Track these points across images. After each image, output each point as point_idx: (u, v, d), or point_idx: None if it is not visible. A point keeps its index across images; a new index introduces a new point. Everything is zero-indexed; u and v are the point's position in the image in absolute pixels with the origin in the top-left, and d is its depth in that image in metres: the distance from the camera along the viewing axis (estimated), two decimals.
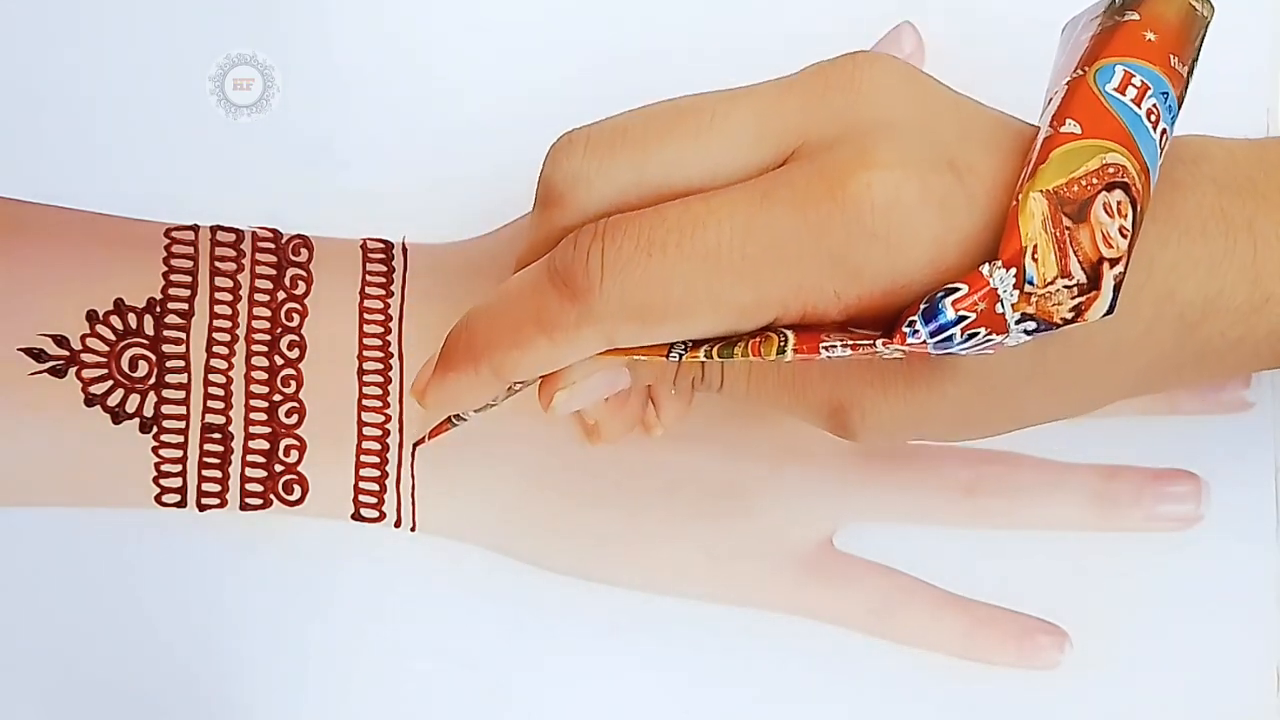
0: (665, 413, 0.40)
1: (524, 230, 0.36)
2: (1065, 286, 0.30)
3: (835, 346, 0.31)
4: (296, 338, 0.40)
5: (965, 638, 0.42)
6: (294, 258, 0.41)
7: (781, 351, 0.32)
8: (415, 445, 0.40)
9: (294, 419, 0.40)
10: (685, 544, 0.41)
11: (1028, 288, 0.30)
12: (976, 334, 0.30)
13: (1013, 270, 0.30)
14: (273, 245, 0.41)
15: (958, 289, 0.30)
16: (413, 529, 0.41)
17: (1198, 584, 0.43)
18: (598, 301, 0.32)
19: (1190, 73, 0.33)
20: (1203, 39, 0.33)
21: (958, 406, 0.34)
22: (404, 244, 0.42)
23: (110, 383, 0.39)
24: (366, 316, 0.41)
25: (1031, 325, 0.30)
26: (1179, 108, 0.32)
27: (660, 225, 0.32)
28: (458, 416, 0.38)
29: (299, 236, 0.41)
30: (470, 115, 0.44)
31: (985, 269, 0.30)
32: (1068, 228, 0.30)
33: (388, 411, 0.40)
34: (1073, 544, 0.43)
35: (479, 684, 0.43)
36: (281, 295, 0.40)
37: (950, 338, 0.30)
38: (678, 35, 0.45)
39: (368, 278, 0.41)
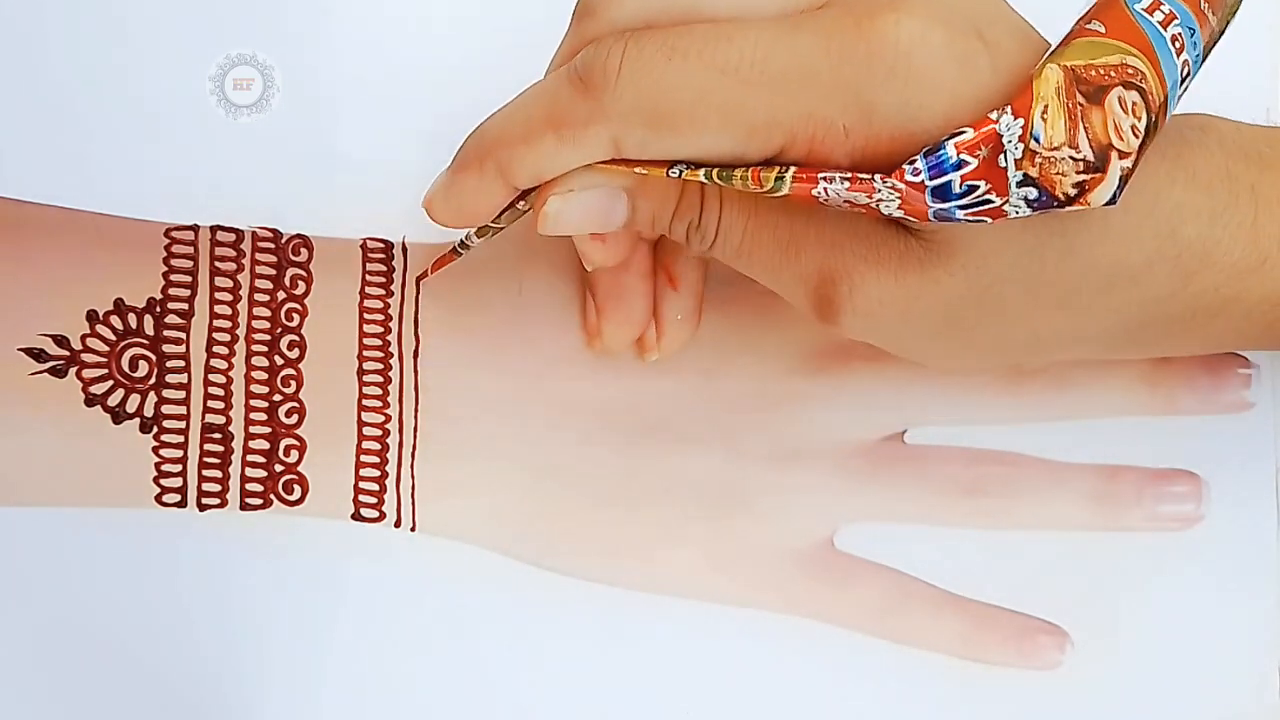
0: (666, 337, 0.40)
1: (520, 232, 0.36)
2: (1071, 158, 0.29)
3: (834, 179, 0.31)
4: (296, 338, 0.40)
5: (966, 638, 0.42)
6: (294, 258, 0.41)
7: (780, 179, 0.32)
8: (419, 279, 0.40)
9: (294, 419, 0.40)
10: (685, 544, 0.41)
11: (1033, 144, 0.29)
12: (976, 188, 0.30)
13: (1020, 121, 0.29)
14: (273, 245, 0.41)
15: (963, 131, 0.30)
16: (413, 529, 0.41)
17: (1198, 584, 0.43)
18: (610, 98, 0.32)
19: (1218, 35, 0.33)
20: (1234, 11, 0.33)
21: (948, 305, 0.33)
22: (404, 244, 0.42)
23: (110, 383, 0.39)
24: (366, 316, 0.41)
25: (1033, 192, 0.30)
26: (1203, 58, 0.32)
27: (686, 34, 0.32)
28: (461, 245, 0.37)
29: (299, 236, 0.41)
30: (471, 115, 0.44)
31: (994, 114, 0.30)
32: (1080, 104, 0.30)
33: (388, 411, 0.40)
34: (1073, 544, 0.43)
35: (479, 684, 0.43)
36: (281, 295, 0.40)
37: (949, 186, 0.30)
38: None
39: (368, 278, 0.41)
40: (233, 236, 0.41)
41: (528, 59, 0.45)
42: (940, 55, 0.31)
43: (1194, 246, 0.34)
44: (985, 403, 0.42)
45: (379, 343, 0.41)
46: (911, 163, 0.30)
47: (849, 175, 0.31)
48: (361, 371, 0.40)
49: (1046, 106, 0.29)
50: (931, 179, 0.30)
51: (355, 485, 0.40)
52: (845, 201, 0.31)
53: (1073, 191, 0.30)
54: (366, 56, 0.44)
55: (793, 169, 0.32)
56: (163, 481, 0.39)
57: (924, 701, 0.42)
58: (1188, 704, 0.43)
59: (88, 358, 0.39)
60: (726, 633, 0.42)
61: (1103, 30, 0.31)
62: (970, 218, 0.30)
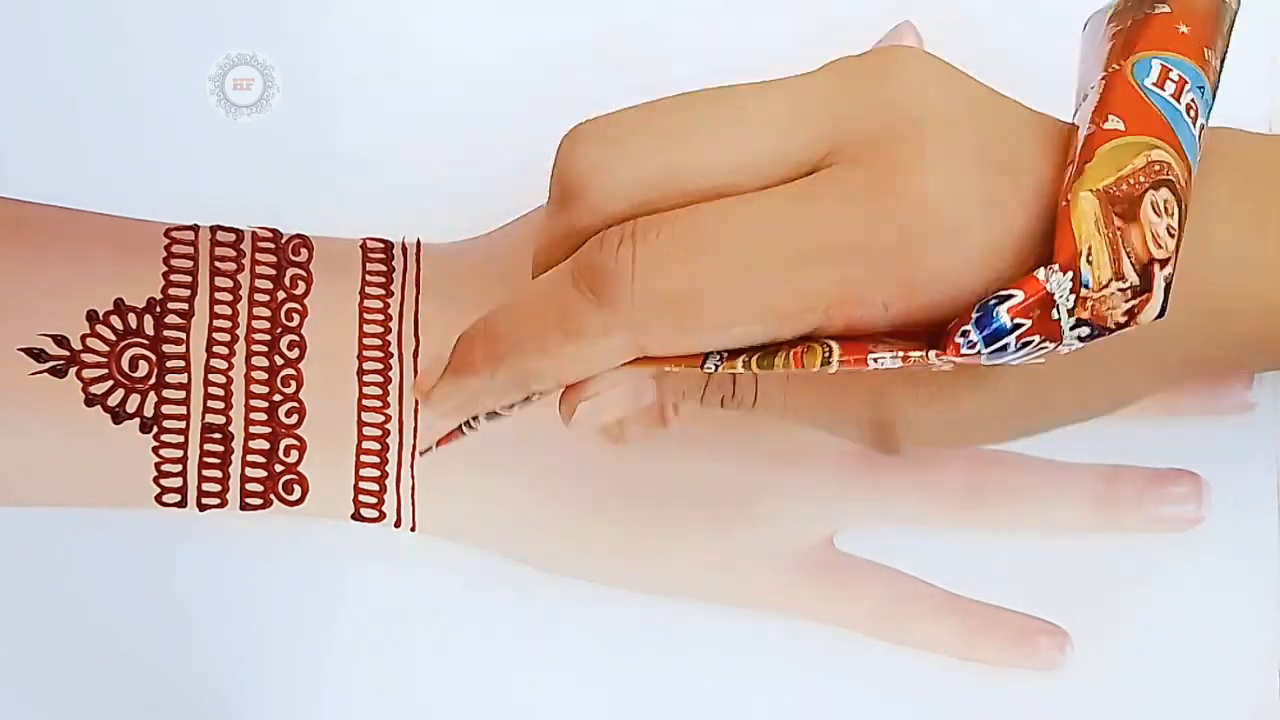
0: (683, 408, 0.38)
1: (532, 230, 0.35)
2: (1120, 290, 0.29)
3: (884, 358, 0.30)
4: (296, 338, 0.40)
5: (966, 639, 0.42)
6: (294, 258, 0.41)
7: (827, 362, 0.30)
8: (421, 452, 0.40)
9: (294, 419, 0.40)
10: (686, 546, 0.41)
11: (1084, 291, 0.29)
12: (1031, 342, 0.29)
13: (1069, 273, 0.29)
14: (273, 245, 0.41)
15: (1012, 295, 0.29)
16: (413, 529, 0.41)
17: (1199, 585, 0.43)
18: (627, 305, 0.30)
19: (1222, 64, 0.32)
20: (1231, 28, 0.33)
21: (999, 411, 0.33)
22: (404, 244, 0.42)
23: (110, 383, 0.39)
24: (366, 316, 0.41)
25: (1086, 330, 0.29)
26: (1213, 101, 0.32)
27: (695, 225, 0.30)
28: (468, 425, 0.36)
29: (299, 236, 0.41)
30: (471, 115, 0.44)
31: (1040, 273, 0.29)
32: (1119, 228, 0.29)
33: (388, 411, 0.40)
34: (1074, 545, 0.43)
35: (479, 684, 0.43)
36: (281, 295, 0.40)
37: (1005, 346, 0.29)
38: (679, 36, 0.45)
39: (368, 278, 0.41)
40: (233, 236, 0.41)
41: (529, 58, 0.45)
42: (971, 208, 0.29)
43: (1225, 289, 0.33)
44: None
45: (379, 343, 0.41)
46: (965, 334, 0.29)
47: (900, 354, 0.30)
48: (361, 371, 0.40)
49: (1090, 248, 0.29)
50: (986, 346, 0.29)
51: (355, 485, 0.40)
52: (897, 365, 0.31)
53: (1124, 320, 0.29)
54: (366, 56, 0.44)
55: (838, 351, 0.30)
56: (163, 481, 0.39)
57: (924, 702, 0.42)
58: (1188, 705, 0.43)
59: (88, 358, 0.39)
60: (726, 633, 0.42)
61: (1123, 127, 0.30)
62: (1024, 361, 0.30)
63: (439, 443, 0.37)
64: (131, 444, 0.39)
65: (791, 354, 0.31)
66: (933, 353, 0.30)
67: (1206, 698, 0.43)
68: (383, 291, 0.41)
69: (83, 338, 0.39)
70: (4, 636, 0.42)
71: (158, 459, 0.39)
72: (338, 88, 0.44)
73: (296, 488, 0.40)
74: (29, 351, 0.39)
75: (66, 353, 0.39)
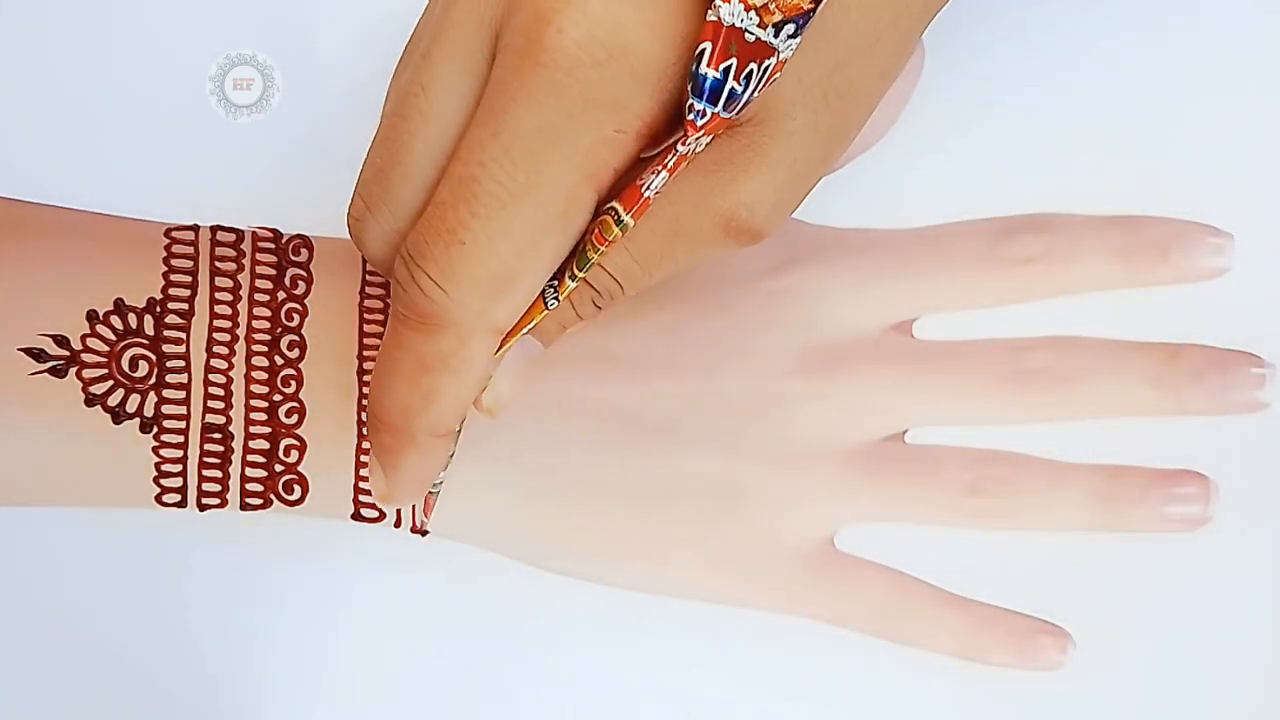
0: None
1: None
2: None
3: (653, 179, 0.31)
4: (296, 338, 0.40)
5: (967, 638, 0.42)
6: (294, 258, 0.41)
7: (620, 223, 0.32)
8: (421, 532, 0.41)
9: (294, 419, 0.40)
10: (685, 545, 0.41)
11: (752, 0, 0.29)
12: (750, 71, 0.30)
13: None
14: (273, 245, 0.41)
15: (703, 49, 0.29)
16: (413, 529, 0.41)
17: (1203, 586, 0.43)
18: (458, 310, 0.32)
19: None
20: None
21: (810, 131, 0.33)
22: None
23: (110, 383, 0.39)
24: (366, 316, 0.41)
25: (791, 27, 0.30)
26: None
27: (443, 215, 0.32)
28: (434, 486, 0.38)
29: (299, 236, 0.41)
30: None
31: (710, 14, 0.29)
32: None
33: None
34: (1076, 544, 0.43)
35: (479, 684, 0.43)
36: (281, 295, 0.40)
37: (733, 92, 0.30)
38: None
39: (368, 278, 0.41)
40: (233, 236, 0.41)
41: None
42: (614, 9, 0.30)
43: None
44: (987, 403, 0.42)
45: (379, 343, 0.40)
46: (692, 108, 0.30)
47: (661, 166, 0.31)
48: (361, 371, 0.40)
49: None
50: (714, 104, 0.30)
51: (355, 485, 0.40)
52: (675, 176, 0.32)
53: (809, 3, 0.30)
54: (366, 56, 0.44)
55: (619, 207, 0.32)
56: (163, 481, 0.39)
57: (924, 702, 0.42)
58: (1190, 707, 0.43)
59: (88, 358, 0.39)
60: (726, 633, 0.42)
61: None
62: (764, 86, 0.31)
63: (427, 513, 0.39)
64: (131, 444, 0.39)
65: (593, 238, 0.32)
66: (677, 145, 0.31)
67: (1209, 700, 0.43)
68: (383, 291, 0.41)
69: (83, 338, 0.39)
70: (4, 636, 0.42)
71: (158, 459, 0.39)
72: (338, 88, 0.44)
73: (296, 488, 0.40)
74: (29, 351, 0.39)
75: (66, 353, 0.39)
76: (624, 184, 0.32)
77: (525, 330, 0.34)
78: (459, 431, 0.36)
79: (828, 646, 0.42)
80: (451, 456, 0.37)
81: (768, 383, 0.41)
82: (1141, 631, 0.43)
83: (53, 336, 0.39)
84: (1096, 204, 0.43)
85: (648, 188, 0.31)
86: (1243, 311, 0.42)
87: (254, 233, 0.41)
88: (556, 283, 0.33)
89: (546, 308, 0.33)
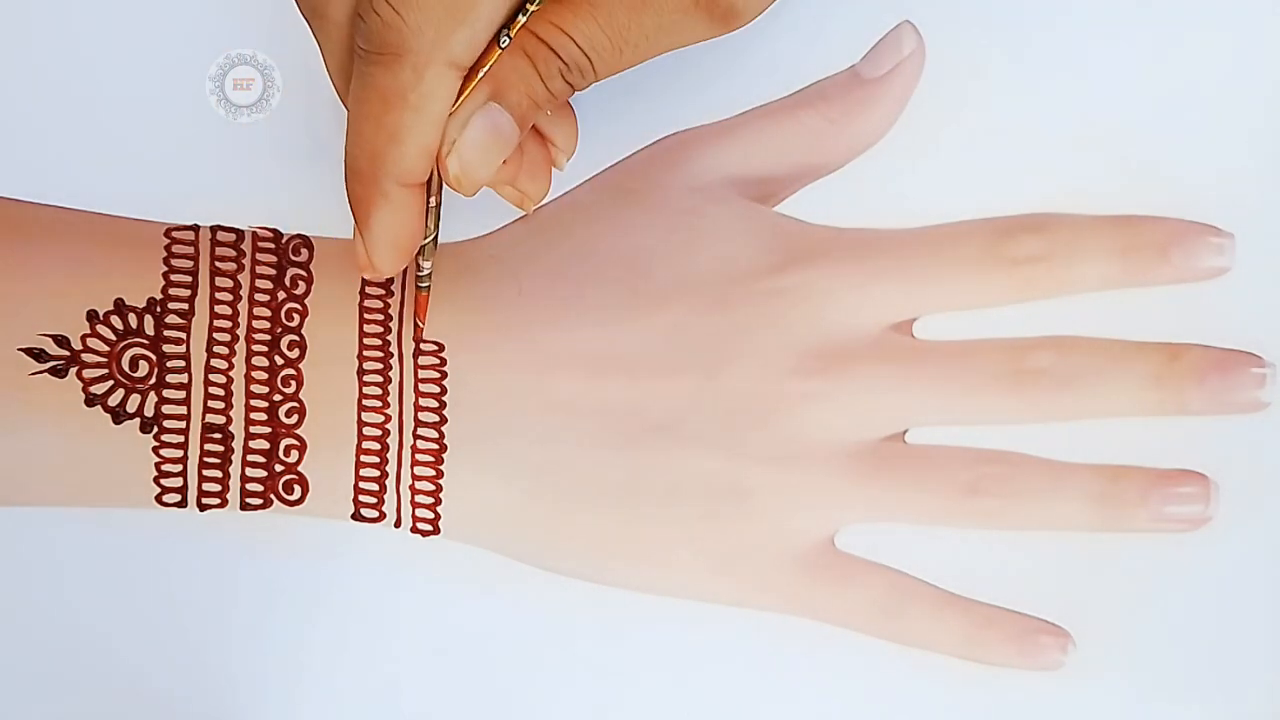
0: (558, 140, 0.40)
1: (532, 229, 0.37)
2: None
3: None
4: (296, 338, 0.40)
5: (967, 638, 0.42)
6: (294, 258, 0.41)
7: None
8: (419, 340, 0.40)
9: (294, 419, 0.40)
10: (686, 545, 0.41)
11: None
12: None
13: None
14: (273, 245, 0.41)
15: None
16: (413, 529, 0.41)
17: (1203, 586, 0.43)
18: (413, 37, 0.34)
19: None
20: None
21: None
22: None
23: (111, 383, 0.39)
24: (366, 316, 0.41)
25: None
26: None
27: None
28: (420, 280, 0.38)
29: (299, 236, 0.41)
30: None
31: None
32: None
33: (388, 411, 0.40)
34: (1076, 544, 0.43)
35: (479, 684, 0.43)
36: (282, 295, 0.40)
37: None
38: None
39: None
40: (233, 236, 0.41)
41: None
42: None
43: None
44: (987, 403, 0.42)
45: (379, 343, 0.41)
46: None
47: None
48: (361, 371, 0.40)
49: None
50: None
51: (355, 485, 0.40)
52: None
53: None
54: None
55: None
56: (163, 481, 0.39)
57: (924, 702, 0.42)
58: (1190, 707, 0.43)
59: (88, 358, 0.39)
60: (726, 633, 0.42)
61: None
62: None
63: (419, 315, 0.39)
64: (131, 444, 0.39)
65: None
66: None
67: (1210, 701, 0.43)
68: (383, 291, 0.41)
69: (83, 338, 0.39)
70: (4, 636, 0.42)
71: (158, 459, 0.39)
72: None
73: (296, 488, 0.40)
74: (29, 351, 0.39)
75: (66, 353, 0.39)
76: None
77: (483, 72, 0.35)
78: (438, 206, 0.37)
79: (828, 646, 0.42)
80: (431, 250, 0.37)
81: (768, 382, 0.41)
82: (1141, 631, 0.43)
83: (53, 336, 0.39)
84: (1096, 204, 0.42)
85: None
86: (1243, 311, 0.42)
87: (254, 233, 0.41)
88: (509, 27, 0.34)
89: (500, 47, 0.34)
